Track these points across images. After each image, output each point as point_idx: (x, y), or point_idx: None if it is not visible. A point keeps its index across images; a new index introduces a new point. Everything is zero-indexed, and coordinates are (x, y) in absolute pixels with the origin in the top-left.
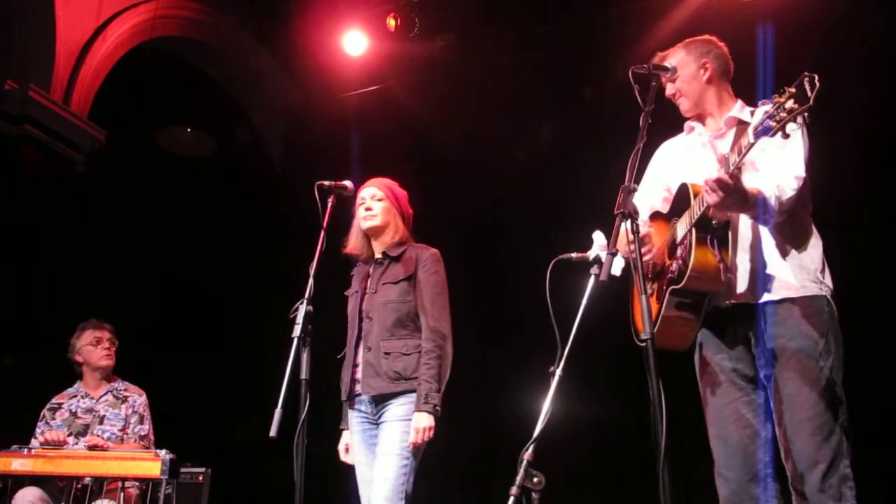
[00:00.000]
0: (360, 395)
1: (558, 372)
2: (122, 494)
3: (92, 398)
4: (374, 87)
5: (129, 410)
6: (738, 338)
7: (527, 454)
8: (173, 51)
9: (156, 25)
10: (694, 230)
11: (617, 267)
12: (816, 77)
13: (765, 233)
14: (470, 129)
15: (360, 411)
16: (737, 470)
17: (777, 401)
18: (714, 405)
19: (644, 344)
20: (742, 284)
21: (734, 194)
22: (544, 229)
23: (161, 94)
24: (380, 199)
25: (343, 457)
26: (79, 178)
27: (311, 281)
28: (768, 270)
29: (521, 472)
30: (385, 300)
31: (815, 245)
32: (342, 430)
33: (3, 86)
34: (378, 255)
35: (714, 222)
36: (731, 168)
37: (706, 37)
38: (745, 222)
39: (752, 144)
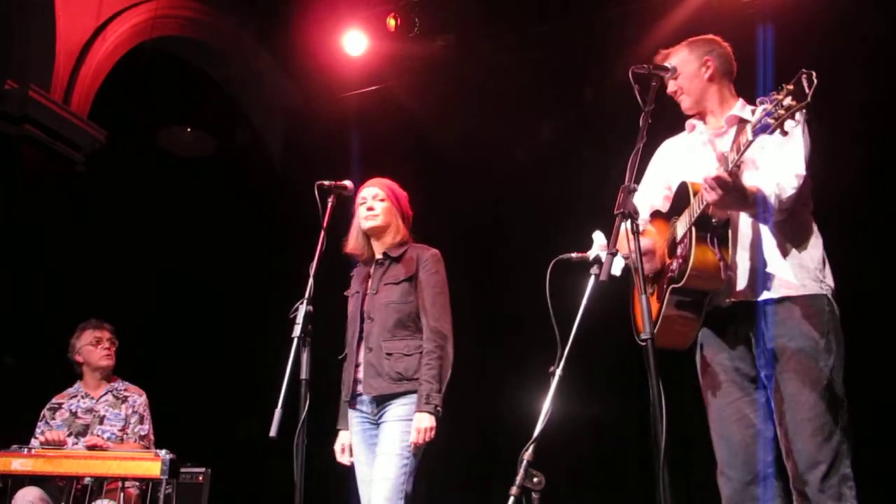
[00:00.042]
0: (361, 395)
1: (558, 372)
2: (122, 494)
3: (92, 398)
4: (374, 87)
5: (129, 410)
6: (738, 337)
7: (527, 454)
8: (173, 51)
9: (156, 25)
10: (694, 229)
11: (617, 267)
12: (814, 74)
13: (765, 231)
14: (470, 129)
15: (361, 411)
16: (739, 469)
17: (778, 401)
18: (716, 405)
19: (644, 344)
20: (742, 282)
21: (733, 192)
22: (544, 229)
23: (161, 94)
24: (382, 200)
25: (339, 457)
26: (79, 178)
27: (311, 281)
28: (768, 269)
29: (521, 472)
30: (386, 301)
31: (816, 244)
32: (339, 430)
33: (3, 86)
34: (378, 256)
35: (714, 220)
36: (730, 166)
37: (710, 36)
38: (745, 221)
39: (751, 142)
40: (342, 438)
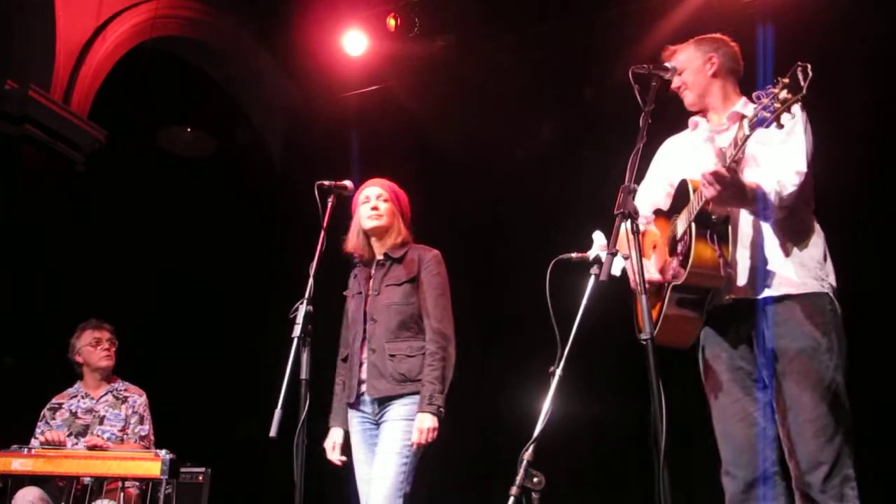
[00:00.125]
0: (363, 395)
1: (558, 372)
2: (122, 494)
3: (92, 398)
4: (374, 87)
5: (129, 411)
6: (740, 336)
7: (527, 454)
8: (173, 51)
9: (156, 25)
10: (693, 225)
11: (617, 267)
12: (809, 66)
13: (766, 229)
14: (470, 129)
15: (363, 412)
16: (743, 468)
17: (780, 402)
18: (719, 404)
19: (644, 344)
20: (742, 279)
21: (731, 188)
22: (544, 229)
23: (161, 94)
24: (385, 200)
25: (329, 454)
26: (79, 178)
27: (311, 281)
28: (769, 267)
29: (521, 472)
30: (388, 302)
31: (817, 242)
32: (331, 427)
33: (3, 86)
34: (379, 257)
35: (713, 217)
36: (728, 161)
37: (718, 35)
38: (745, 218)
39: (748, 136)
40: (334, 436)
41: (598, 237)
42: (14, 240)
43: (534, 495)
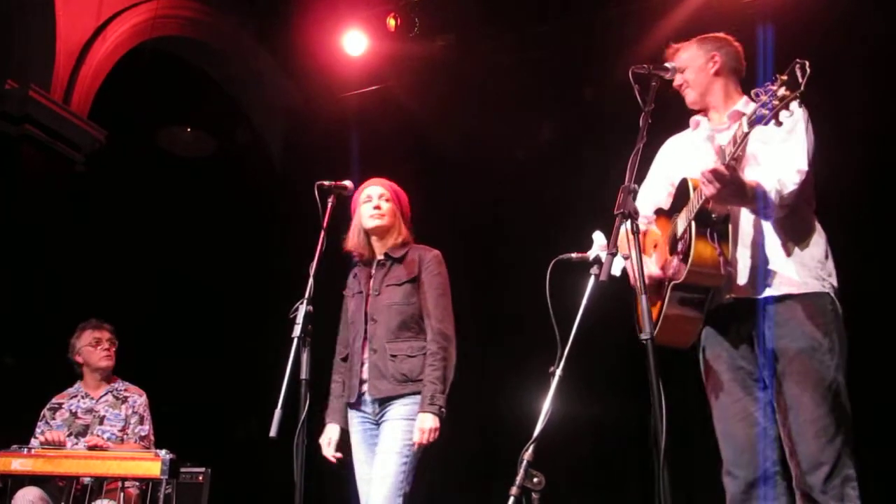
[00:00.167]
0: (364, 395)
1: (558, 372)
2: (122, 494)
3: (92, 398)
4: (374, 87)
5: (129, 411)
6: (741, 336)
7: (527, 454)
8: (173, 51)
9: (156, 25)
10: (693, 224)
11: (617, 267)
12: (807, 63)
13: (767, 228)
14: (470, 129)
15: (363, 412)
16: (744, 468)
17: (780, 402)
18: (720, 404)
19: (644, 343)
20: (742, 279)
21: (730, 185)
22: (544, 229)
23: (161, 94)
24: (388, 200)
25: (324, 450)
26: (79, 178)
27: (311, 281)
28: (770, 266)
29: (521, 472)
30: (389, 302)
31: (818, 241)
32: (327, 423)
33: (3, 86)
34: (380, 257)
35: (714, 215)
36: (727, 159)
37: (721, 34)
38: (746, 217)
39: (747, 134)
40: (329, 432)
41: (598, 237)
42: (14, 240)
43: (534, 495)
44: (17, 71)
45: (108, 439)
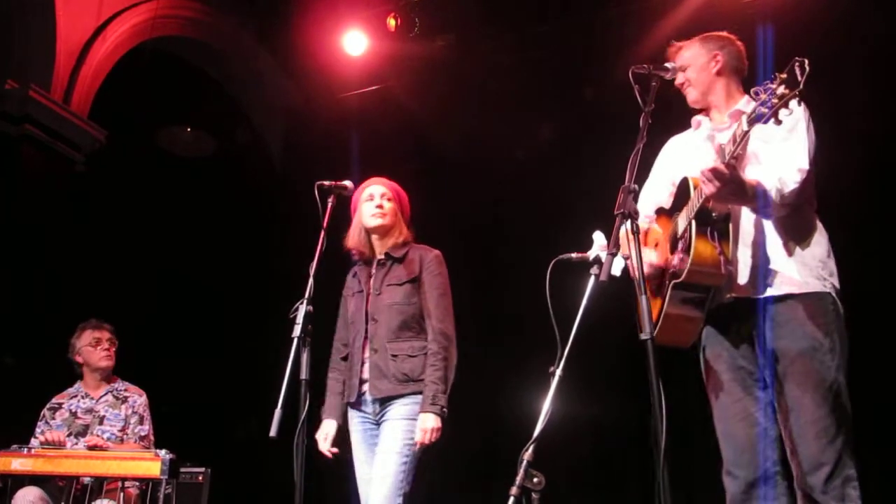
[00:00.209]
0: (365, 395)
1: (558, 372)
2: (121, 494)
3: (92, 398)
4: (374, 87)
5: (129, 411)
6: (741, 335)
7: (527, 454)
8: (173, 51)
9: (156, 25)
10: (693, 223)
11: (617, 267)
12: (806, 62)
13: (768, 227)
14: (470, 129)
15: (363, 412)
16: (745, 468)
17: (781, 402)
18: (721, 404)
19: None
20: (743, 278)
21: (730, 184)
22: (544, 229)
23: (161, 94)
24: (389, 199)
25: (321, 445)
26: (79, 178)
27: (311, 281)
28: (771, 265)
29: (521, 472)
30: (390, 302)
31: (820, 241)
32: (324, 419)
33: (3, 86)
34: (380, 256)
35: (714, 214)
36: (727, 157)
37: (723, 33)
38: (747, 217)
39: (746, 132)
40: (326, 427)
41: (599, 237)
42: (14, 240)
43: (534, 495)
44: (18, 71)
45: (108, 439)
